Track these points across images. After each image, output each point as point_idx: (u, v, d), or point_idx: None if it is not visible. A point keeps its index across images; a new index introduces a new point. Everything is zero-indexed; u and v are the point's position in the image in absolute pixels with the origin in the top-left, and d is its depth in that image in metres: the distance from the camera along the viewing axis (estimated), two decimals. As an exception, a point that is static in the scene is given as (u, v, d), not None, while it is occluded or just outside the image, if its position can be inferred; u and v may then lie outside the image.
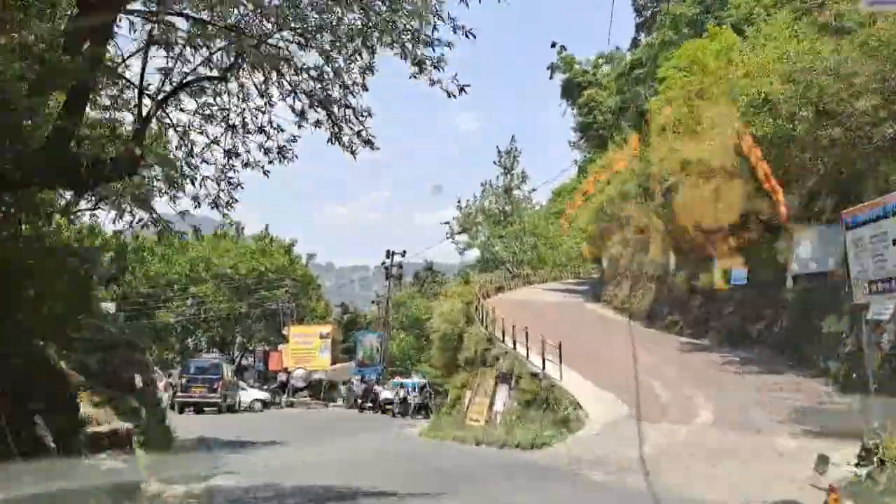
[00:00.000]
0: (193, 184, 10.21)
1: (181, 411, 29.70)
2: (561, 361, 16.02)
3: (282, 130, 9.91)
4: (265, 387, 39.93)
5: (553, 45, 37.08)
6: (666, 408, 13.50)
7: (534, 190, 56.36)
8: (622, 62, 33.13)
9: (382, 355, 51.47)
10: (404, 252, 51.42)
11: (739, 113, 19.20)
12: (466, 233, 54.37)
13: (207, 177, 10.27)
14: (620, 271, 28.09)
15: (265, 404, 36.06)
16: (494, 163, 55.45)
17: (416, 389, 38.76)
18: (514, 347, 19.11)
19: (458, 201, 55.62)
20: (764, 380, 15.20)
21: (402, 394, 38.58)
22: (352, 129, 9.29)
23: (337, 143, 9.37)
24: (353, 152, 9.39)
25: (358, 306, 75.99)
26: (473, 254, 58.93)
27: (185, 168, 10.32)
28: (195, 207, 10.58)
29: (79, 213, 46.23)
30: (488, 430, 18.11)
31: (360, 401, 38.38)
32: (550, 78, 38.23)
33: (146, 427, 11.38)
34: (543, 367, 16.87)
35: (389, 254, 51.77)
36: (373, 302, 69.60)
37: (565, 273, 48.78)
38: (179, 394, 29.88)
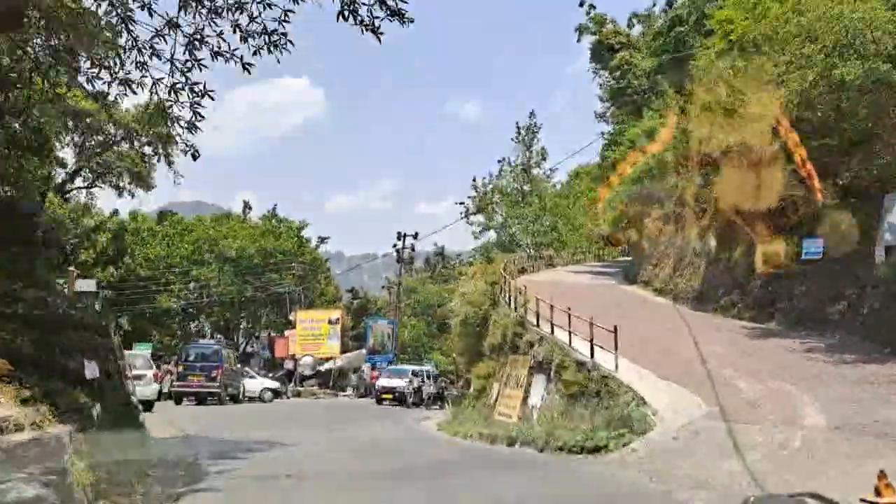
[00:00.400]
0: (142, 87, 7.40)
1: (179, 401, 27.32)
2: (616, 348, 13.35)
3: (269, 6, 7.16)
4: (271, 374, 37.52)
5: (581, 4, 34.18)
6: (756, 405, 10.83)
7: (554, 168, 53.23)
8: (657, 22, 30.24)
9: (394, 342, 49.03)
10: (416, 234, 48.79)
11: (816, 60, 16.47)
12: (482, 213, 51.65)
13: (161, 79, 7.48)
14: (660, 249, 25.34)
15: (276, 393, 33.67)
16: (512, 139, 52.75)
17: (431, 378, 36.27)
18: (552, 332, 16.46)
19: (474, 180, 53.00)
20: (863, 371, 12.48)
21: (415, 383, 36.15)
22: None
23: (351, 16, 6.66)
24: (374, 30, 6.68)
25: (368, 294, 73.52)
26: (488, 236, 56.35)
27: (132, 67, 7.51)
28: (146, 126, 7.76)
29: (74, 191, 43.44)
30: (523, 428, 15.50)
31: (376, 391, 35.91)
32: (578, 41, 35.38)
33: (100, 429, 8.79)
34: (592, 355, 14.21)
35: (401, 236, 49.08)
36: (384, 287, 67.10)
37: (587, 256, 46.05)
38: (176, 383, 27.47)
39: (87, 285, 17.34)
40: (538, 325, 17.56)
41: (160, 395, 29.65)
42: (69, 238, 41.56)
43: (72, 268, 17.53)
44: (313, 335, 43.35)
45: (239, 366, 30.74)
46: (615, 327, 13.40)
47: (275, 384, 34.42)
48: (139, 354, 22.58)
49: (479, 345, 20.76)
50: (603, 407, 12.96)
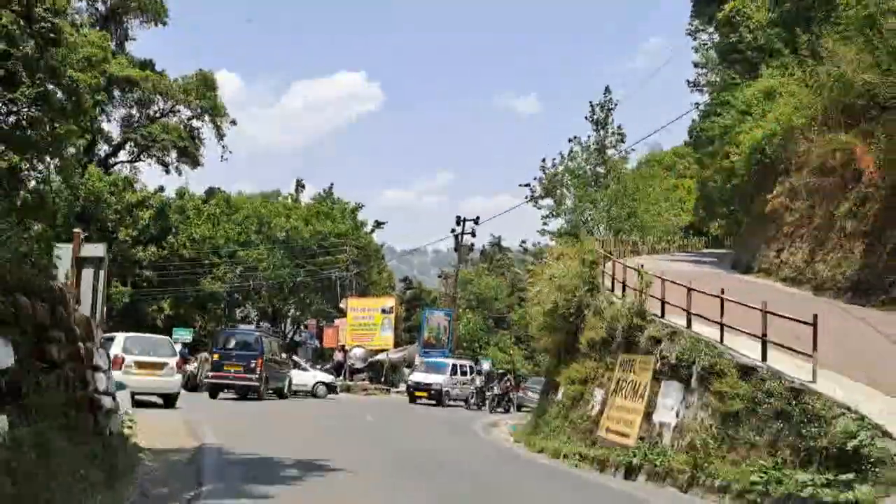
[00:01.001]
0: None
1: (214, 395, 23.95)
2: (815, 349, 9.09)
3: None
4: (319, 366, 34.07)
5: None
6: None
7: (631, 149, 48.39)
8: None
9: (450, 336, 45.16)
10: (477, 219, 44.57)
11: None
12: (551, 196, 47.23)
13: None
14: (786, 231, 20.74)
15: (330, 388, 30.22)
16: (585, 118, 48.18)
17: (496, 378, 32.34)
18: (689, 325, 12.24)
19: (543, 161, 48.52)
20: None
21: (478, 381, 32.25)
22: None
23: None
24: None
25: (421, 285, 69.78)
26: (558, 223, 51.88)
27: None
28: None
29: (118, 166, 40.74)
30: (648, 453, 11.38)
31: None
32: None
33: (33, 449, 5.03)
34: (764, 358, 9.98)
35: (460, 221, 44.98)
36: (440, 276, 63.29)
37: (671, 245, 41.33)
38: (210, 373, 24.11)
39: (93, 250, 13.69)
40: (663, 317, 13.34)
41: (197, 388, 26.50)
42: (109, 213, 38.87)
43: (78, 230, 13.90)
44: (365, 325, 39.84)
45: (285, 356, 27.24)
46: (814, 318, 9.13)
47: (329, 377, 30.95)
48: (158, 339, 19.14)
49: (575, 340, 16.62)
50: (793, 433, 8.76)
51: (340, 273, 41.83)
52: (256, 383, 23.59)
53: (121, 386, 14.16)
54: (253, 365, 23.60)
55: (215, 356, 24.01)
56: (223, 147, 45.87)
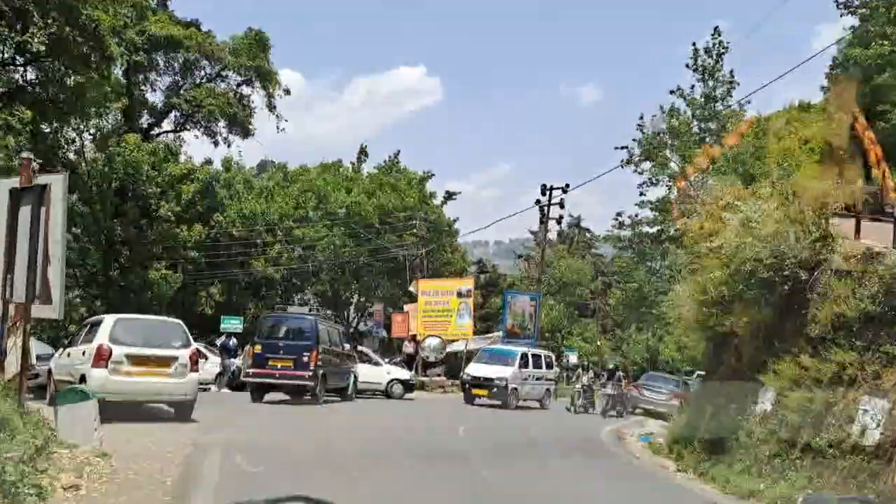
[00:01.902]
0: None
1: (258, 397, 18.68)
2: None
3: None
4: (388, 359, 28.62)
5: None
6: None
7: (747, 100, 41.03)
8: None
9: (536, 323, 39.11)
10: (566, 186, 38.17)
11: None
12: (651, 160, 40.56)
13: None
14: None
15: (407, 386, 24.85)
16: (687, 66, 41.27)
17: (608, 376, 26.21)
18: None
19: (641, 117, 41.69)
20: None
21: (584, 380, 26.15)
22: None
23: None
24: None
25: (496, 269, 63.65)
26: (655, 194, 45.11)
27: None
28: None
29: (160, 135, 36.09)
30: None
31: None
32: None
33: None
34: None
35: (546, 190, 38.66)
36: (519, 256, 57.17)
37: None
38: (251, 370, 18.80)
39: (52, 180, 8.04)
40: None
41: (244, 386, 21.20)
42: (149, 186, 34.24)
43: (28, 154, 8.21)
44: (439, 311, 34.16)
45: (348, 347, 21.70)
46: None
47: (405, 374, 25.47)
48: (164, 323, 13.62)
49: (795, 321, 10.47)
50: None
51: (409, 252, 36.24)
52: (310, 382, 18.15)
53: (84, 396, 8.81)
54: (306, 359, 18.18)
55: (257, 347, 18.64)
56: (277, 117, 40.90)
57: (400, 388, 24.34)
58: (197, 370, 12.76)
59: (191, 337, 12.93)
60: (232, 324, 30.98)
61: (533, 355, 25.88)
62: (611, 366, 25.86)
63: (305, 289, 38.02)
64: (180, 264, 35.88)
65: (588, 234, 75.85)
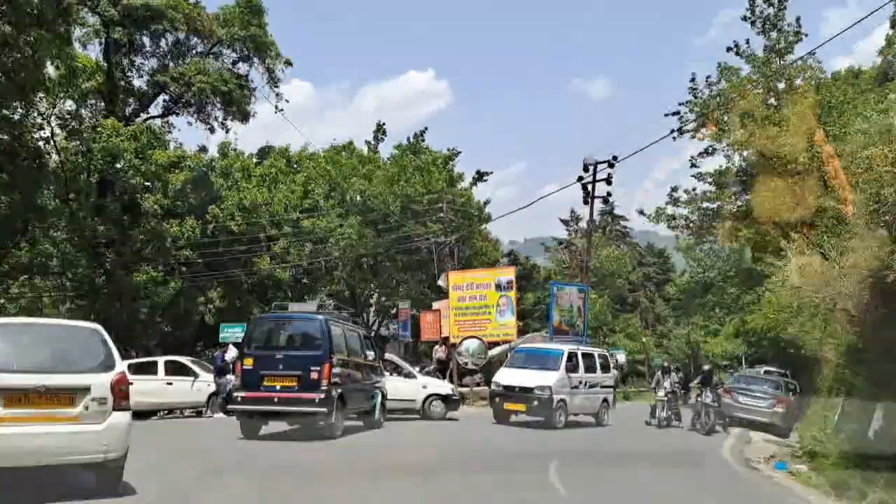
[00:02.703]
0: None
1: (250, 430, 13.56)
2: None
3: None
4: (419, 368, 23.38)
5: None
6: None
7: (811, 53, 35.28)
8: None
9: (586, 318, 33.90)
10: (614, 159, 32.67)
11: None
12: (707, 126, 35.00)
13: None
14: None
15: (450, 402, 19.66)
16: (744, 18, 35.71)
17: (702, 381, 20.80)
18: None
19: (692, 79, 36.09)
20: None
21: (666, 384, 20.86)
22: None
23: None
24: None
25: (529, 262, 58.12)
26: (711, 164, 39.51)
27: None
28: None
29: (147, 122, 31.10)
30: None
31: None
32: None
33: None
34: None
35: (589, 167, 33.28)
36: (561, 243, 51.70)
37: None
38: (239, 393, 13.60)
39: None
40: None
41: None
42: (132, 176, 29.30)
43: None
44: (475, 308, 28.83)
45: (372, 355, 16.40)
46: None
47: (446, 387, 20.24)
48: (65, 331, 8.27)
49: None
50: None
51: (437, 239, 30.98)
52: (322, 408, 12.98)
53: None
54: (315, 375, 13.03)
55: (248, 361, 13.43)
56: (277, 95, 35.91)
57: (440, 407, 19.14)
58: (127, 407, 7.58)
59: (116, 352, 7.74)
60: (232, 332, 25.98)
61: (584, 355, 20.39)
62: (706, 367, 20.46)
63: (319, 289, 32.84)
64: (173, 266, 30.97)
65: (621, 223, 70.40)
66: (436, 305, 30.80)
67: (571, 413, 19.17)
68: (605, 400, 20.99)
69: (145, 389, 20.75)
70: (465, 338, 26.74)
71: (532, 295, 46.49)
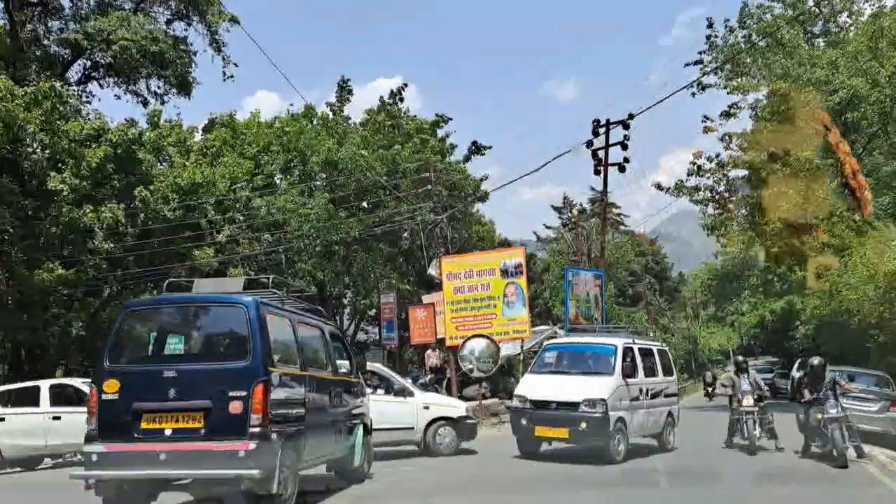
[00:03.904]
0: None
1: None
2: None
3: None
4: (412, 379, 17.12)
5: None
6: None
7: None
8: None
9: (604, 309, 28.23)
10: (629, 118, 26.71)
11: None
12: (737, 70, 29.23)
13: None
14: None
15: (462, 428, 13.46)
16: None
17: (811, 384, 14.64)
18: None
19: (709, 25, 30.22)
20: None
21: (745, 385, 14.79)
22: None
23: None
24: None
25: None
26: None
27: None
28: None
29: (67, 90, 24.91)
30: None
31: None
32: None
33: None
34: None
35: (596, 127, 27.41)
36: (565, 225, 45.79)
37: None
38: (96, 448, 7.33)
39: None
40: None
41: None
42: (34, 149, 22.89)
43: None
44: (477, 300, 22.63)
45: (347, 366, 9.96)
46: None
47: (458, 407, 13.78)
48: None
49: None
50: None
51: (425, 217, 24.73)
52: (250, 468, 6.80)
53: None
54: (236, 407, 6.84)
55: (109, 385, 7.13)
56: (224, 59, 29.52)
57: (450, 436, 13.00)
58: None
59: None
60: (197, 347, 19.46)
61: (642, 352, 14.49)
62: (815, 361, 14.12)
63: (287, 291, 26.33)
64: (90, 262, 24.41)
65: (616, 210, 65.05)
66: (427, 299, 24.64)
67: (631, 435, 13.27)
68: (669, 414, 15.19)
69: (23, 428, 14.62)
70: (469, 337, 20.54)
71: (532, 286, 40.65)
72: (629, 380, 13.27)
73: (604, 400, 12.34)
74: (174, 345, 7.75)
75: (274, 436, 7.13)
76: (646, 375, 14.18)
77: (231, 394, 6.99)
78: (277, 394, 7.31)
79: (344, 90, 27.85)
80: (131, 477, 7.07)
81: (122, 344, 7.62)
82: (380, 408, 12.06)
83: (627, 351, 13.75)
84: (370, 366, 13.97)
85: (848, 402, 16.79)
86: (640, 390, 13.73)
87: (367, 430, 10.39)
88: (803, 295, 29.90)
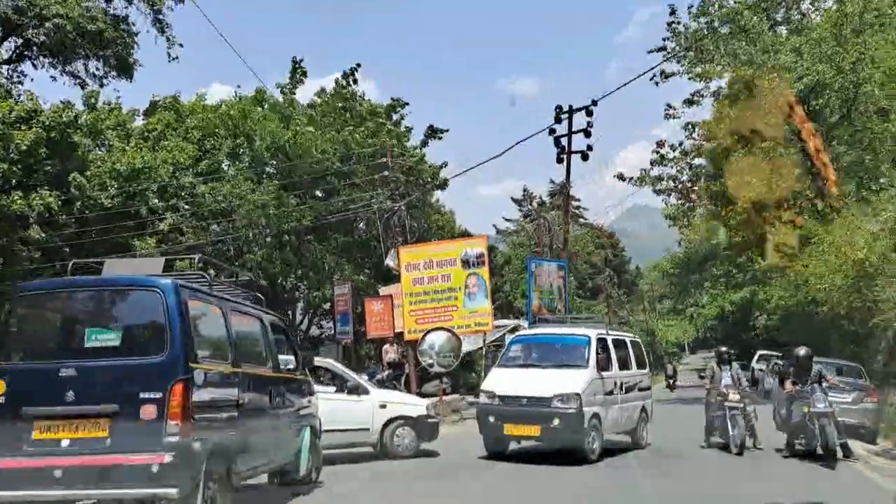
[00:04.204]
0: None
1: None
2: None
3: None
4: (369, 376, 15.89)
5: None
6: None
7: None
8: None
9: (567, 300, 27.47)
10: (593, 104, 25.85)
11: None
12: (700, 56, 28.53)
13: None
14: None
15: (423, 428, 12.23)
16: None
17: (796, 373, 13.71)
18: None
19: (672, 11, 29.43)
20: None
21: (727, 378, 13.88)
22: None
23: None
24: None
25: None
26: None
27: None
28: None
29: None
30: None
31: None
32: None
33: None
34: None
35: (560, 114, 26.50)
36: (527, 216, 45.03)
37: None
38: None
39: None
40: None
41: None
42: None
43: None
44: (436, 291, 21.53)
45: (293, 363, 8.73)
46: None
47: (419, 405, 12.46)
48: None
49: None
50: None
51: (382, 204, 23.48)
52: (168, 486, 5.57)
53: None
54: (149, 411, 5.61)
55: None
56: (168, 39, 27.68)
57: (410, 436, 11.88)
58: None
59: None
60: (103, 338, 17.90)
61: (616, 343, 13.59)
62: (801, 352, 13.04)
63: (221, 277, 24.77)
64: (21, 251, 22.60)
65: (576, 203, 64.61)
66: (384, 291, 23.44)
67: (606, 432, 12.37)
68: (643, 409, 14.38)
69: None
70: (429, 331, 19.41)
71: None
72: (604, 373, 12.43)
73: (578, 395, 11.44)
74: (76, 337, 6.44)
75: (197, 445, 5.90)
76: (620, 368, 13.34)
77: (143, 396, 5.75)
78: (201, 395, 6.08)
79: (297, 71, 26.37)
80: (19, 500, 5.77)
81: (12, 337, 6.29)
82: (332, 407, 10.87)
83: (601, 342, 12.87)
84: (321, 361, 12.75)
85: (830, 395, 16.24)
86: (615, 384, 12.89)
87: (316, 434, 9.20)
88: (765, 285, 29.59)
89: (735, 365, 13.76)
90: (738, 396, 12.83)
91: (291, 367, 8.71)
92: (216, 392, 6.40)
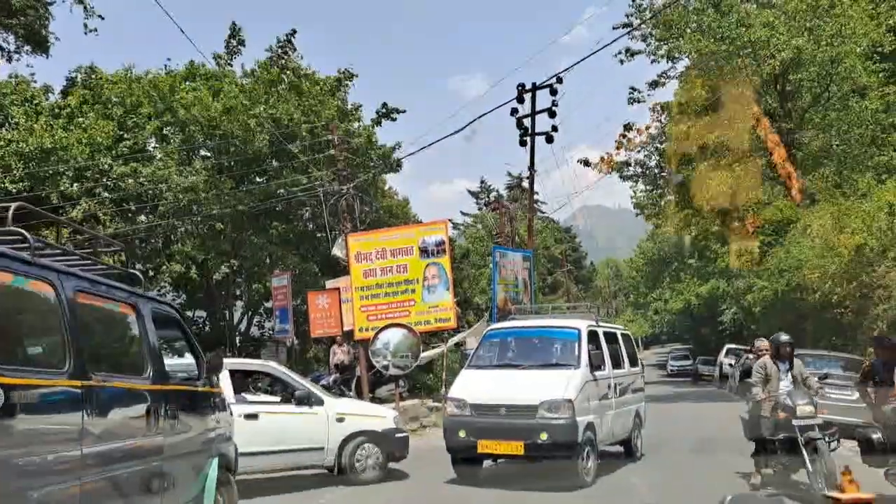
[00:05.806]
0: None
1: None
2: None
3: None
4: (314, 380, 13.47)
5: None
6: None
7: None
8: None
9: (533, 294, 25.55)
10: (558, 81, 23.75)
11: None
12: (669, 33, 26.67)
13: None
14: None
15: (388, 445, 9.98)
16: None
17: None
18: None
19: None
20: None
21: (800, 373, 10.07)
22: None
23: None
24: None
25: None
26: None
27: None
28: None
29: None
30: None
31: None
32: None
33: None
34: None
35: (523, 93, 24.38)
36: (487, 204, 42.88)
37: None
38: None
39: None
40: None
41: None
42: None
43: None
44: (390, 284, 19.08)
45: (189, 365, 6.37)
46: None
47: (386, 417, 10.35)
48: None
49: None
50: None
51: (326, 187, 20.91)
52: None
53: None
54: None
55: None
56: (86, 9, 24.63)
57: (374, 456, 9.68)
58: None
59: None
60: None
61: (607, 336, 11.36)
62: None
63: (147, 271, 21.63)
64: None
65: (535, 196, 63.09)
66: (331, 284, 20.90)
67: (600, 445, 10.22)
68: (637, 414, 12.29)
69: None
70: (383, 328, 16.97)
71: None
72: (597, 373, 10.26)
73: (570, 401, 9.27)
74: None
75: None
76: (614, 367, 11.22)
77: None
78: (6, 426, 3.60)
79: (233, 39, 23.60)
80: None
81: None
82: (275, 422, 8.54)
83: (593, 336, 10.70)
84: (261, 365, 10.31)
85: (834, 393, 14.23)
86: (609, 386, 10.74)
87: (229, 465, 6.72)
88: (737, 277, 28.30)
89: (797, 362, 9.25)
90: (811, 409, 8.42)
91: (187, 375, 6.21)
92: (34, 421, 3.90)
